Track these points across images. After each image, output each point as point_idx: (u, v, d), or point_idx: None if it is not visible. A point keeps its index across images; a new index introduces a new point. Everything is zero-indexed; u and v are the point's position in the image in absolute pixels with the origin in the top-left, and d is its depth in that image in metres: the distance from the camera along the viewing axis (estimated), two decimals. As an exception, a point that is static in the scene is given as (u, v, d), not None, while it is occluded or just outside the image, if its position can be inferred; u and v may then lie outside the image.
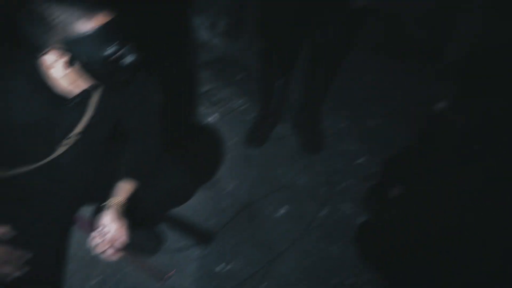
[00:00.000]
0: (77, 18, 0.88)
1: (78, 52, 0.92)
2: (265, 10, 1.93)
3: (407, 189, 1.44)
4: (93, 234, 1.16)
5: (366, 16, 1.90)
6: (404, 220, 1.37)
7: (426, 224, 1.28)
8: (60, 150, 1.15)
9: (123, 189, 1.25)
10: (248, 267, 1.70)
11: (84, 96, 1.09)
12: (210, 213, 1.86)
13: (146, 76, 1.23)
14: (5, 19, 0.90)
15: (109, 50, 0.94)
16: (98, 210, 1.24)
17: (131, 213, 1.27)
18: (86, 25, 0.90)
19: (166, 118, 1.41)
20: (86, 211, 1.44)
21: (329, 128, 2.41)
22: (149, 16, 2.05)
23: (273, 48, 2.03)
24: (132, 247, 1.23)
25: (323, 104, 2.57)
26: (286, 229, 1.83)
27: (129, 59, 0.98)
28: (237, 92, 2.62)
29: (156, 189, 1.39)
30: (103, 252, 1.15)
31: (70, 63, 0.94)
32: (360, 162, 2.20)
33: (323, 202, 1.96)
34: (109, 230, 1.17)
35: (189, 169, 1.64)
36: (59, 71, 0.97)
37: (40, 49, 0.92)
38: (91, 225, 1.20)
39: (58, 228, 1.28)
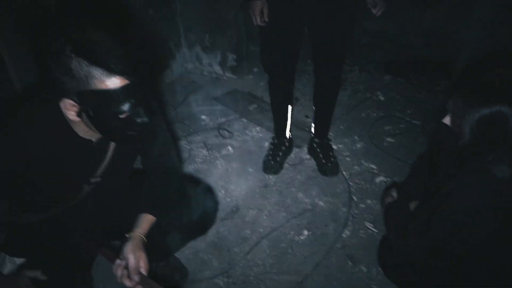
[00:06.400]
0: (98, 76, 0.96)
1: (90, 105, 0.99)
2: (265, 49, 2.02)
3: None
4: (116, 264, 1.19)
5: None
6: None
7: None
8: (86, 190, 1.21)
9: (145, 221, 1.30)
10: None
11: (104, 140, 1.15)
12: (232, 242, 1.87)
13: (159, 117, 1.30)
14: (42, 66, 0.97)
15: (121, 109, 1.00)
16: (122, 241, 1.27)
17: (153, 244, 1.30)
18: (104, 83, 0.97)
19: (178, 152, 1.46)
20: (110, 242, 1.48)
21: (345, 150, 2.42)
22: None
23: (277, 80, 2.10)
24: (158, 279, 1.24)
25: (336, 126, 2.59)
26: (310, 253, 1.82)
27: (140, 119, 1.04)
28: (252, 122, 2.68)
29: (178, 220, 1.42)
30: (127, 281, 1.18)
31: (79, 113, 1.01)
32: (379, 181, 2.19)
33: (344, 223, 1.94)
34: (130, 260, 1.20)
35: (208, 199, 1.68)
36: (72, 117, 1.03)
37: (61, 94, 0.99)
38: (115, 255, 1.23)
39: (84, 262, 1.31)
